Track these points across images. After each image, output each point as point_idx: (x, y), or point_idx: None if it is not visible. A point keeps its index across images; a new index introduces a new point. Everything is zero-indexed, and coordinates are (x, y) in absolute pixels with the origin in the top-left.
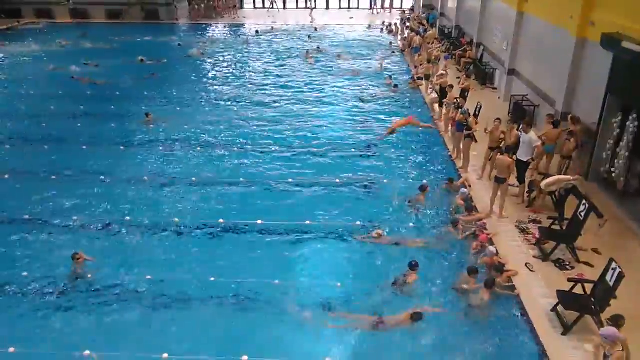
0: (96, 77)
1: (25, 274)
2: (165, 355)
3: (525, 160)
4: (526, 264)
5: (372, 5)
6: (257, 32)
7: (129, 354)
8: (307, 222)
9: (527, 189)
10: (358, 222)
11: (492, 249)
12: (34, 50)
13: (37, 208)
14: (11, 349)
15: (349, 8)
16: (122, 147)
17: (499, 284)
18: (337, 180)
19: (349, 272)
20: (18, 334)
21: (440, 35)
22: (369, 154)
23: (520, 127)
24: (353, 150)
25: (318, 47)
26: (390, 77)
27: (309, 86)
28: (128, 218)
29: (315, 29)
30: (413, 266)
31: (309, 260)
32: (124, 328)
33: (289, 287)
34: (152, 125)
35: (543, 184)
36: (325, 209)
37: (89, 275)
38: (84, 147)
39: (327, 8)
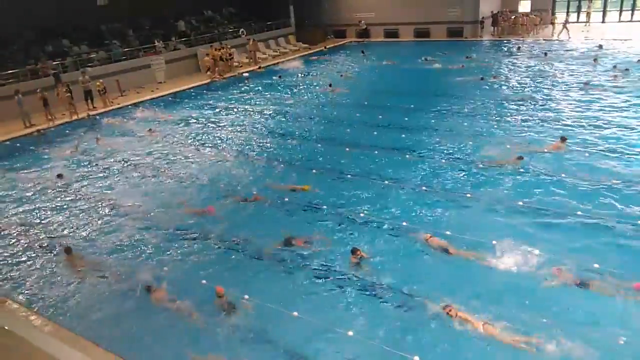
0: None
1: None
2: (416, 358)
3: None
4: None
5: None
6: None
7: (381, 349)
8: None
9: None
10: (615, 270)
11: None
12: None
13: (338, 200)
14: (294, 313)
15: None
16: (407, 156)
17: None
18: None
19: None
20: (302, 305)
21: None
22: None
23: None
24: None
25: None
26: None
27: (610, 108)
28: (405, 223)
29: (601, 46)
30: None
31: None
32: (386, 322)
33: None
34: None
35: None
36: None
37: (364, 269)
38: (376, 152)
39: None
